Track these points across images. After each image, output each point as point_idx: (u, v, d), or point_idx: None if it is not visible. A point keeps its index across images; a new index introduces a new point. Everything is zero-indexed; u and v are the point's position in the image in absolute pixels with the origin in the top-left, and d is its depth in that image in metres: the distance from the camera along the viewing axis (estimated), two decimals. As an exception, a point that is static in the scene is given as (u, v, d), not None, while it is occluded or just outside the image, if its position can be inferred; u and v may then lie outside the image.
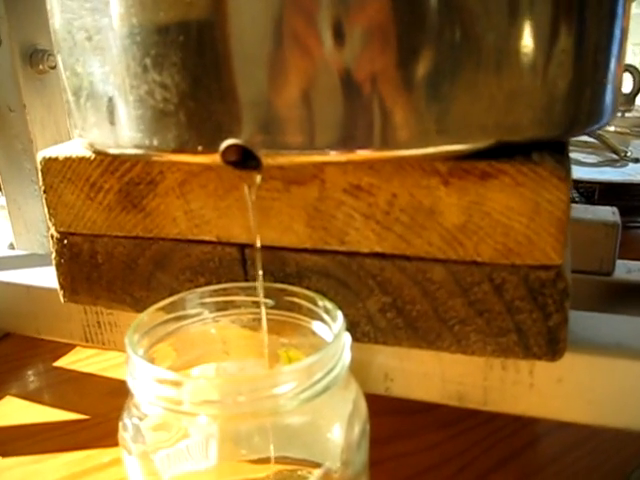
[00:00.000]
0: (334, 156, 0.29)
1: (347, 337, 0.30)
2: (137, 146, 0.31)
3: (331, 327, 0.31)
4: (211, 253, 0.35)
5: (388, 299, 0.33)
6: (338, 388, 0.30)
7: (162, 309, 0.32)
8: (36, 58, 0.48)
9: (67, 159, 0.36)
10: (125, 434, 0.30)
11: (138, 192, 0.35)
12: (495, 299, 0.31)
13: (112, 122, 0.32)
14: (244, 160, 0.29)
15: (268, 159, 0.29)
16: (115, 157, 0.35)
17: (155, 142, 0.30)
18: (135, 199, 0.35)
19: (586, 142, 0.91)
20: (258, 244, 0.32)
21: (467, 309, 0.32)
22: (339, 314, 0.30)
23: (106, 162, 0.35)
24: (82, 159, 0.36)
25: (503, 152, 0.30)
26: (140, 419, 0.29)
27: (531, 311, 0.31)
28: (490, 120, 0.29)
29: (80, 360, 0.49)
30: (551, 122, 0.31)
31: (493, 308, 0.32)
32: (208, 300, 0.34)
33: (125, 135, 0.31)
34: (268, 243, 0.34)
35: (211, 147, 0.29)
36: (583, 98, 0.32)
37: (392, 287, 0.33)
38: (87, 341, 0.43)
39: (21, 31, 0.48)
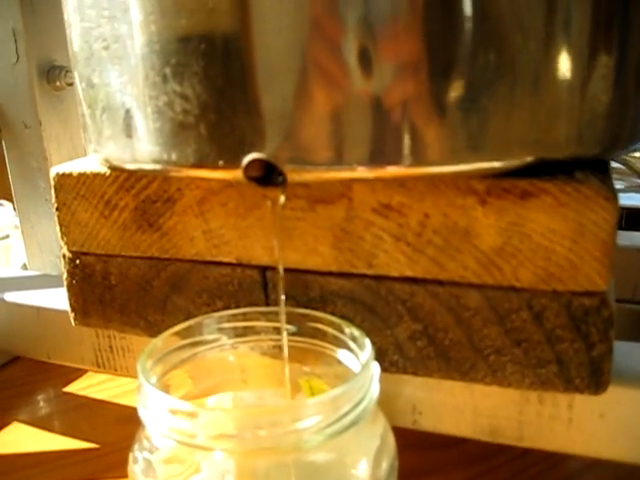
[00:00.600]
0: (362, 172, 0.27)
1: (376, 367, 0.28)
2: (155, 160, 0.29)
3: (358, 356, 0.29)
4: (230, 275, 0.33)
5: (419, 326, 0.31)
6: (365, 422, 0.28)
7: (177, 334, 0.30)
8: (53, 74, 0.47)
9: (81, 175, 0.34)
10: (135, 467, 0.28)
11: (155, 210, 0.33)
12: (534, 327, 0.29)
13: (129, 135, 0.30)
14: (267, 176, 0.28)
15: (293, 175, 0.27)
16: (131, 173, 0.33)
17: (174, 156, 0.29)
18: (151, 217, 0.34)
19: (612, 167, 0.89)
20: (281, 268, 0.30)
21: (504, 338, 0.30)
22: (367, 342, 0.28)
23: (122, 178, 0.34)
24: (97, 175, 0.34)
25: (543, 171, 0.28)
26: (151, 452, 0.27)
27: (573, 341, 0.29)
28: (528, 136, 0.27)
29: (91, 386, 0.47)
30: (593, 139, 0.29)
31: (532, 337, 0.29)
32: (226, 325, 0.32)
33: (142, 149, 0.30)
34: (291, 265, 0.32)
35: (233, 162, 0.27)
36: (625, 115, 0.30)
37: (423, 313, 0.31)
38: (99, 366, 0.41)
39: (39, 47, 0.47)
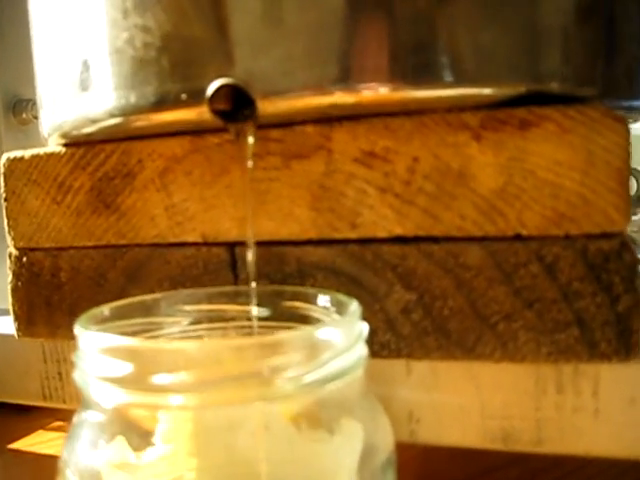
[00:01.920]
0: (340, 97, 0.24)
1: (364, 325, 0.23)
2: (113, 109, 0.26)
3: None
4: (195, 257, 0.29)
5: (412, 296, 0.27)
6: (352, 392, 0.23)
7: (128, 307, 0.26)
8: (19, 107, 0.45)
9: (34, 157, 0.31)
10: (77, 445, 0.22)
11: (112, 188, 0.30)
12: (547, 283, 0.25)
13: (85, 88, 0.27)
14: (235, 110, 0.25)
15: (264, 104, 0.24)
16: (88, 149, 0.30)
17: (133, 99, 0.26)
18: (108, 197, 0.30)
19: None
20: (250, 237, 0.26)
21: (513, 300, 0.25)
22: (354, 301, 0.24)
23: (77, 156, 0.30)
24: (51, 155, 0.31)
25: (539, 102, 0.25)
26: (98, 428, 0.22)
27: (594, 294, 0.25)
28: (520, 63, 0.25)
29: (42, 442, 0.41)
30: (588, 77, 0.26)
31: (545, 296, 0.25)
32: (187, 308, 0.27)
33: (99, 100, 0.27)
34: (264, 237, 0.28)
35: (197, 95, 0.24)
36: (623, 57, 0.28)
37: (417, 280, 0.26)
38: (45, 398, 0.35)
39: (4, 81, 0.46)
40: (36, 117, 0.46)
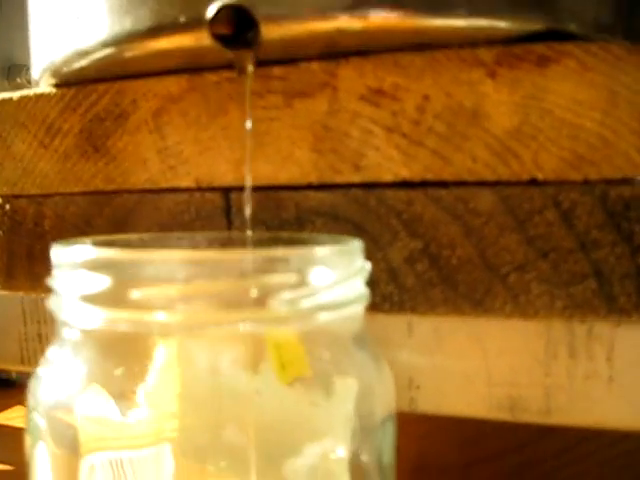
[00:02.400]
0: (346, 22, 0.23)
1: (367, 264, 0.21)
2: (106, 38, 0.25)
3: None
4: (187, 203, 0.27)
5: (418, 244, 0.25)
6: (350, 333, 0.21)
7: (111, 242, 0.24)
8: (14, 72, 0.44)
9: (23, 98, 0.30)
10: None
11: (103, 130, 0.28)
12: (563, 231, 0.23)
13: (76, 17, 0.26)
14: (237, 36, 0.23)
15: (268, 28, 0.23)
16: (79, 89, 0.29)
17: (127, 24, 0.24)
18: (98, 140, 0.28)
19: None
20: (248, 180, 0.25)
21: (526, 249, 0.24)
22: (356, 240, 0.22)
23: (68, 96, 0.29)
24: (40, 96, 0.29)
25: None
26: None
27: (613, 244, 0.23)
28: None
29: (21, 417, 0.39)
30: (610, 21, 0.25)
31: (561, 245, 0.23)
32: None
33: (91, 29, 0.25)
34: (261, 182, 0.26)
35: (197, 18, 0.23)
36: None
37: (423, 227, 0.25)
38: (23, 362, 0.33)
39: None
40: (30, 82, 0.45)
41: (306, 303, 0.19)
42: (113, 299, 0.18)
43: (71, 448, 0.20)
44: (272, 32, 0.23)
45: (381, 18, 0.23)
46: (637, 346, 0.25)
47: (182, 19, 0.23)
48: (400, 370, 0.27)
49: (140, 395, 0.20)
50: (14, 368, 0.34)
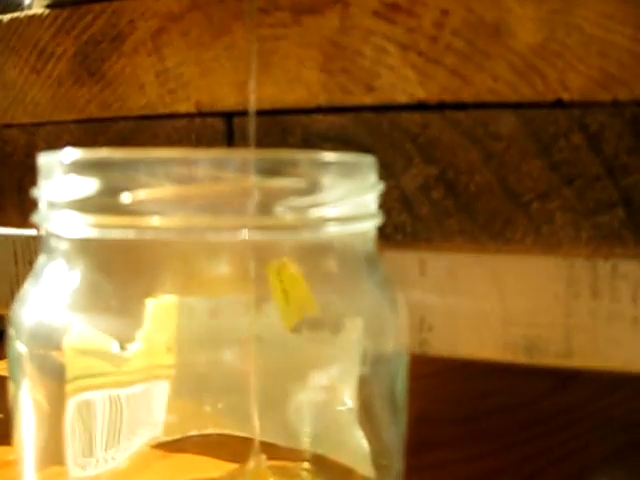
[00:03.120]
0: None
1: (380, 183, 0.20)
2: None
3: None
4: (186, 128, 0.26)
5: (434, 170, 0.23)
6: (360, 260, 0.20)
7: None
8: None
9: (13, 21, 0.28)
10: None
11: (98, 53, 0.27)
12: (590, 157, 0.22)
13: None
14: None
15: None
16: (74, 10, 0.27)
17: None
18: (93, 64, 0.27)
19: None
20: (252, 104, 0.23)
21: (549, 176, 0.22)
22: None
23: (62, 18, 0.27)
24: (32, 18, 0.28)
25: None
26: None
27: (645, 169, 0.21)
28: None
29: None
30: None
31: (588, 171, 0.22)
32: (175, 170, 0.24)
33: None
34: (266, 106, 0.25)
35: None
36: None
37: (440, 152, 0.23)
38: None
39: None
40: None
41: (314, 212, 0.17)
42: (103, 205, 0.16)
43: (58, 382, 0.19)
44: None
45: None
46: (665, 284, 0.23)
47: None
48: (412, 311, 0.26)
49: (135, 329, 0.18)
50: (5, 311, 0.32)
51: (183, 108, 0.26)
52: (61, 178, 0.17)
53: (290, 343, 0.20)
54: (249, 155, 0.17)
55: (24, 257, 0.31)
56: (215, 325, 0.19)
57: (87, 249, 0.17)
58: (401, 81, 0.23)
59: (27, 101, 0.28)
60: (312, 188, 0.17)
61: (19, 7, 0.42)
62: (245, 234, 0.16)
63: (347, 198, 0.18)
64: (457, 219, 0.23)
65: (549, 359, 0.25)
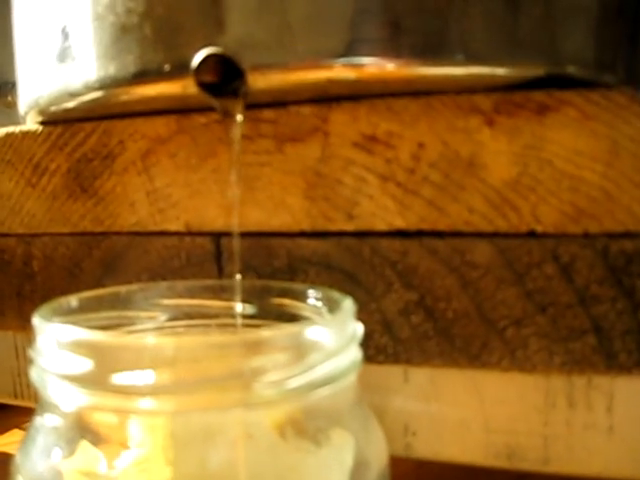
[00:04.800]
0: (340, 71, 0.22)
1: (359, 326, 0.21)
2: (93, 82, 0.24)
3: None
4: (177, 247, 0.27)
5: (413, 296, 0.24)
6: (343, 400, 0.21)
7: (98, 298, 0.23)
8: (4, 90, 0.43)
9: (9, 136, 0.29)
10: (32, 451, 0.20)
11: (91, 171, 0.28)
12: (563, 286, 0.23)
13: (63, 58, 0.25)
14: (223, 84, 0.22)
15: (255, 77, 0.22)
16: (66, 128, 0.28)
17: (112, 70, 0.23)
18: (86, 181, 0.28)
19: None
20: (236, 226, 0.24)
21: (524, 303, 0.23)
22: (348, 298, 0.21)
23: (55, 135, 0.28)
24: (26, 134, 0.29)
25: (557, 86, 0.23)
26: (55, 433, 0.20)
27: (614, 300, 0.22)
28: (537, 43, 0.23)
29: (16, 442, 0.39)
30: (612, 62, 0.24)
31: (560, 299, 0.23)
32: (165, 302, 0.25)
33: (78, 72, 0.25)
34: (252, 228, 0.26)
35: (182, 65, 0.22)
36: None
37: (418, 278, 0.24)
38: (16, 396, 0.33)
39: (-10, 62, 0.44)
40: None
41: (296, 382, 0.18)
42: (95, 381, 0.18)
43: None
44: (259, 82, 0.22)
45: (376, 67, 0.22)
46: (637, 397, 0.24)
47: (167, 67, 0.23)
48: (396, 416, 0.27)
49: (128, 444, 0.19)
50: (7, 402, 0.34)
51: (173, 227, 0.27)
52: (55, 351, 0.18)
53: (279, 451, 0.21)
54: (232, 338, 0.18)
55: (24, 351, 0.32)
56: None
57: (79, 417, 0.18)
58: (381, 210, 0.24)
59: (23, 213, 0.29)
60: (292, 361, 0.18)
61: (13, 88, 0.43)
62: (234, 412, 0.17)
63: (328, 360, 0.19)
64: (436, 342, 0.24)
65: (528, 465, 0.26)
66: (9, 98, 0.44)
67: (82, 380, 0.18)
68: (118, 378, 0.17)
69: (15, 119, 0.45)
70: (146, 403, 0.17)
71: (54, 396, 0.19)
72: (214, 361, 0.17)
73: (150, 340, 0.18)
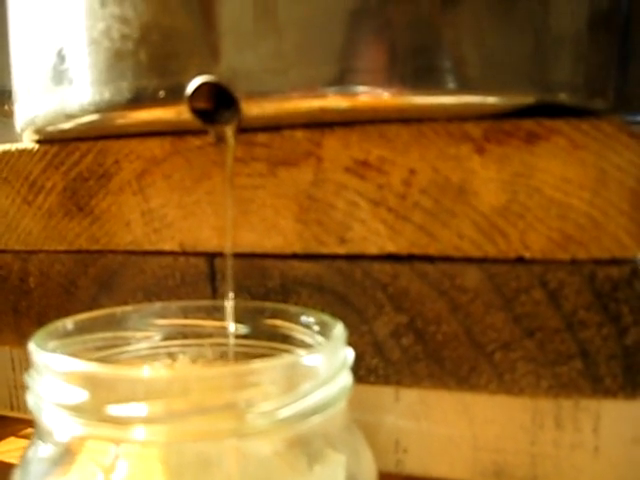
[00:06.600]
0: (333, 100, 0.22)
1: (349, 352, 0.21)
2: (88, 105, 0.24)
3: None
4: (171, 267, 0.27)
5: (403, 318, 0.25)
6: (334, 425, 0.21)
7: (93, 320, 0.24)
8: (1, 99, 0.43)
9: (5, 153, 0.29)
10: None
11: (86, 190, 0.28)
12: (550, 311, 0.23)
13: (60, 80, 0.25)
14: (216, 110, 0.23)
15: (249, 105, 0.22)
16: (62, 147, 0.28)
17: (107, 94, 0.24)
18: (82, 199, 0.28)
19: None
20: (229, 249, 0.24)
21: (512, 327, 0.23)
22: (339, 324, 0.22)
23: (51, 154, 0.28)
24: (23, 152, 0.29)
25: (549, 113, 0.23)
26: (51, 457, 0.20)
27: (600, 325, 0.23)
28: (528, 72, 0.23)
29: (11, 450, 0.39)
30: (602, 89, 0.24)
31: (548, 324, 0.23)
32: (159, 322, 0.25)
33: (74, 95, 0.25)
34: (246, 250, 0.26)
35: (176, 92, 0.22)
36: (638, 71, 0.26)
37: (409, 301, 0.24)
38: (12, 409, 0.33)
39: (-14, 70, 0.44)
40: (18, 109, 0.44)
41: (288, 412, 0.18)
42: (90, 411, 0.18)
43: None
44: (253, 109, 0.22)
45: (368, 96, 0.22)
46: (623, 418, 0.24)
47: (161, 93, 0.23)
48: (387, 433, 0.27)
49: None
50: (4, 414, 0.34)
51: (168, 247, 0.27)
52: (51, 379, 0.19)
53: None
54: (224, 370, 0.18)
55: (21, 364, 0.33)
56: None
57: (75, 447, 0.19)
58: (372, 235, 0.24)
59: (20, 230, 0.29)
60: (284, 391, 0.18)
61: (10, 96, 0.43)
62: (226, 442, 0.18)
63: (319, 389, 0.19)
64: (426, 364, 0.24)
65: (516, 483, 0.26)
66: (6, 107, 0.44)
67: (77, 410, 0.18)
68: (113, 409, 0.18)
69: (13, 128, 0.45)
70: (140, 433, 0.17)
71: (49, 423, 0.19)
72: (207, 392, 0.18)
73: (144, 372, 0.18)
